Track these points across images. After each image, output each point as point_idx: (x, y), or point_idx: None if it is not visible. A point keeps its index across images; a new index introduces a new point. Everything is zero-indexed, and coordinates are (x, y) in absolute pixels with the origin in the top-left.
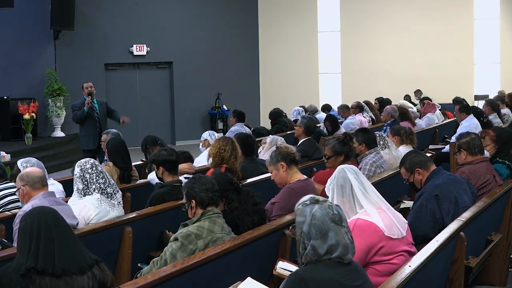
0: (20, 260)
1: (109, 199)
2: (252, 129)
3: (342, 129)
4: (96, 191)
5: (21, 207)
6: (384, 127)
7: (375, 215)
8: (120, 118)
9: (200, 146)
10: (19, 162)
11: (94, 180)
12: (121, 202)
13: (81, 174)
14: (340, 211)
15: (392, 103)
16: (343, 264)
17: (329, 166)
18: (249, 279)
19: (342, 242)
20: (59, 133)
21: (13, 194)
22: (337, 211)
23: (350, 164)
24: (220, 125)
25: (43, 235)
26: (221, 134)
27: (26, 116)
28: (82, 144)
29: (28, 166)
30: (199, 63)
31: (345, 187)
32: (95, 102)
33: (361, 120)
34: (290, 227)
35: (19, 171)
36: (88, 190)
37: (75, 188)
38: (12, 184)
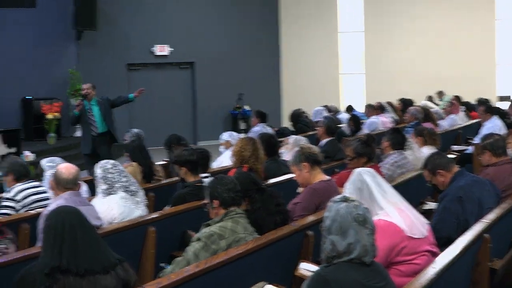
0: (44, 259)
1: (133, 196)
2: (276, 129)
3: (365, 130)
4: (121, 189)
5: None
6: (407, 128)
7: (396, 215)
8: (132, 96)
9: (221, 148)
10: (43, 162)
11: (117, 179)
12: (144, 201)
13: (104, 175)
14: (367, 214)
15: (415, 104)
16: (365, 265)
17: (351, 167)
18: (263, 282)
19: (361, 243)
20: (80, 133)
21: (37, 193)
22: (363, 212)
23: (372, 165)
24: (242, 126)
25: (67, 234)
26: (242, 135)
27: (49, 116)
28: (81, 148)
29: (53, 165)
30: (221, 64)
31: (362, 189)
32: (93, 104)
33: (384, 120)
34: (321, 223)
35: (43, 170)
36: (112, 190)
37: (98, 190)
38: (36, 183)
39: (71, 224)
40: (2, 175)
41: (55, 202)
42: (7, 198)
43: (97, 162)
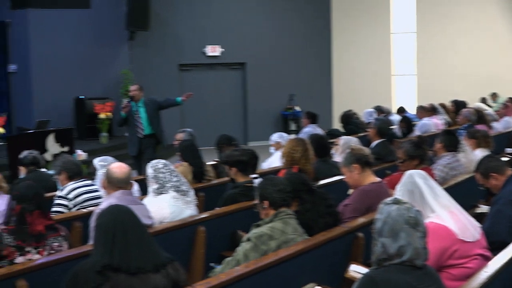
0: (95, 257)
1: (184, 196)
2: (327, 131)
3: (417, 131)
4: (172, 189)
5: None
6: (460, 131)
7: (447, 218)
8: (180, 100)
9: (272, 149)
10: (95, 161)
11: (168, 178)
12: (194, 200)
13: (155, 175)
14: (419, 216)
15: (468, 106)
16: (416, 268)
17: (402, 169)
18: (311, 284)
19: (413, 245)
20: None
21: (89, 192)
22: (415, 215)
23: (424, 168)
24: (293, 126)
25: (119, 233)
26: (292, 136)
27: (102, 116)
28: (128, 149)
29: (105, 164)
30: (272, 64)
31: (414, 192)
32: (140, 105)
33: (436, 122)
34: (372, 224)
35: (95, 169)
36: (163, 189)
37: (150, 189)
38: (88, 182)
39: (123, 222)
40: (56, 173)
41: (107, 200)
42: (60, 197)
43: (142, 164)
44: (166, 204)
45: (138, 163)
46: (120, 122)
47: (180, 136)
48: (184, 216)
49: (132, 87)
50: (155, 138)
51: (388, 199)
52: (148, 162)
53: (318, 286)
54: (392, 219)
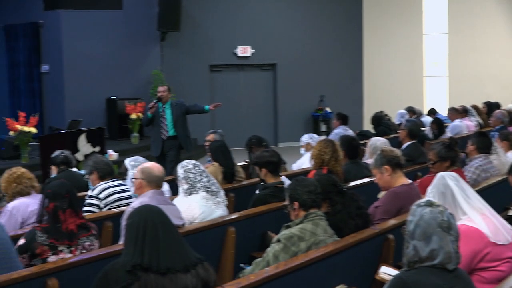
0: (126, 257)
1: (214, 196)
2: (357, 132)
3: (448, 133)
4: (202, 189)
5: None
6: (493, 133)
7: (480, 221)
8: (208, 108)
9: (302, 150)
10: (126, 161)
11: (199, 179)
12: (225, 200)
13: (185, 175)
14: (452, 220)
15: (501, 108)
16: (448, 271)
17: (434, 171)
18: (341, 285)
19: (445, 249)
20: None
21: (120, 192)
22: (448, 218)
23: (455, 170)
24: (323, 128)
25: (149, 233)
26: (322, 137)
27: (133, 116)
28: (151, 150)
29: (136, 165)
30: (303, 65)
31: (446, 194)
32: (167, 107)
33: (468, 124)
34: (404, 225)
35: (127, 169)
36: (193, 189)
37: (180, 190)
38: (119, 182)
39: (154, 222)
40: (87, 173)
41: (139, 200)
42: (91, 196)
43: (165, 166)
44: (196, 205)
45: (160, 164)
46: (145, 122)
47: (210, 137)
48: (214, 216)
49: (161, 88)
50: (179, 140)
51: (421, 201)
52: (171, 164)
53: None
54: (425, 222)
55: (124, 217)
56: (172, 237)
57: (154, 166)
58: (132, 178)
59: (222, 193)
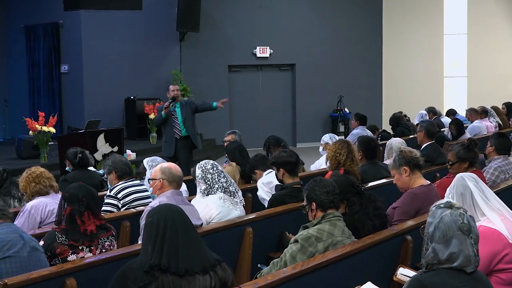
0: (144, 256)
1: (231, 197)
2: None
3: (467, 134)
4: (220, 190)
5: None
6: None
7: (498, 222)
8: (215, 105)
9: (321, 149)
10: (145, 161)
11: (216, 179)
12: (243, 201)
13: (203, 175)
14: (472, 223)
15: None
16: (466, 274)
17: (452, 172)
18: (369, 283)
19: (464, 253)
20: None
21: (138, 192)
22: (468, 221)
23: (474, 171)
24: (342, 128)
25: (168, 233)
26: (341, 137)
27: (151, 116)
28: (163, 150)
29: (154, 165)
30: (321, 66)
31: (465, 195)
32: (178, 106)
33: (487, 125)
34: (422, 226)
35: (145, 169)
36: (211, 190)
37: (198, 190)
38: (137, 182)
39: (173, 222)
40: (105, 173)
41: (157, 200)
42: (109, 196)
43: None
44: (213, 205)
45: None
46: (159, 122)
47: (229, 137)
48: (231, 217)
49: (174, 87)
50: (191, 140)
51: (441, 202)
52: (185, 164)
53: (373, 284)
54: (445, 224)
55: (143, 216)
56: (191, 238)
57: (173, 166)
58: (150, 179)
59: (239, 193)
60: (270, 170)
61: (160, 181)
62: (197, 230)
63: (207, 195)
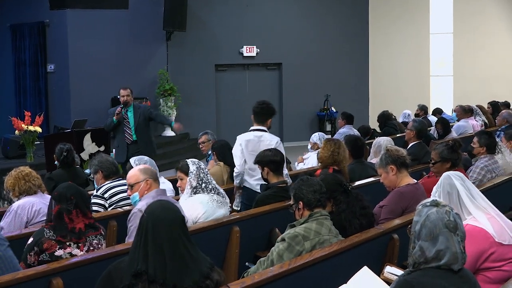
0: (132, 256)
1: (218, 195)
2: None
3: (453, 133)
4: (213, 191)
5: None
6: (498, 132)
7: (485, 220)
8: (173, 125)
9: (309, 147)
10: (132, 160)
11: (210, 180)
12: (227, 201)
13: (197, 173)
14: (458, 220)
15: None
16: (453, 272)
17: (434, 171)
18: (365, 268)
19: (451, 250)
20: (169, 133)
21: (125, 191)
22: (454, 219)
23: (457, 169)
24: (328, 127)
25: (154, 240)
26: (329, 136)
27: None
28: (115, 156)
29: (141, 164)
30: (308, 65)
31: (451, 194)
32: (130, 110)
33: (473, 124)
34: (409, 225)
35: (131, 168)
36: (200, 188)
37: (188, 185)
38: (124, 181)
39: (160, 227)
40: (92, 172)
41: (145, 201)
42: (96, 196)
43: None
44: (199, 205)
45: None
46: (109, 127)
47: (204, 138)
48: (217, 215)
49: (124, 92)
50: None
51: (427, 201)
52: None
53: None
54: (431, 222)
55: (131, 218)
56: (182, 247)
57: (146, 165)
58: (132, 185)
59: (224, 193)
60: None
61: (147, 181)
62: (190, 236)
63: (194, 194)
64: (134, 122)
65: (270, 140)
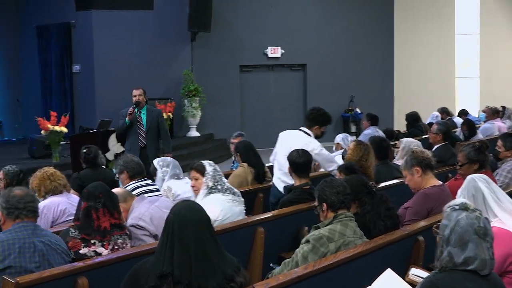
0: (157, 256)
1: (233, 195)
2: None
3: (479, 135)
4: (228, 192)
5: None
6: None
7: (510, 222)
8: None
9: (333, 148)
10: (155, 161)
11: (224, 181)
12: (242, 200)
13: (214, 174)
14: (488, 225)
15: None
16: (481, 276)
17: (461, 173)
18: (389, 270)
19: (480, 257)
20: (194, 133)
21: (150, 191)
22: (484, 224)
23: (484, 172)
24: (353, 128)
25: (178, 241)
26: (354, 137)
27: (163, 116)
28: None
29: (165, 164)
30: (333, 66)
31: (476, 196)
32: (143, 112)
33: (500, 125)
34: (435, 225)
35: (156, 169)
36: (215, 189)
37: (204, 186)
38: (149, 181)
39: (186, 228)
40: (117, 172)
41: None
42: None
43: None
44: (215, 204)
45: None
46: (122, 129)
47: (236, 140)
48: (234, 211)
49: (136, 92)
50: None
51: (456, 204)
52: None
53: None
54: (461, 228)
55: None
56: (208, 247)
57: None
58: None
59: (239, 192)
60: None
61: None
62: (215, 236)
63: (210, 194)
64: (147, 126)
65: (306, 143)
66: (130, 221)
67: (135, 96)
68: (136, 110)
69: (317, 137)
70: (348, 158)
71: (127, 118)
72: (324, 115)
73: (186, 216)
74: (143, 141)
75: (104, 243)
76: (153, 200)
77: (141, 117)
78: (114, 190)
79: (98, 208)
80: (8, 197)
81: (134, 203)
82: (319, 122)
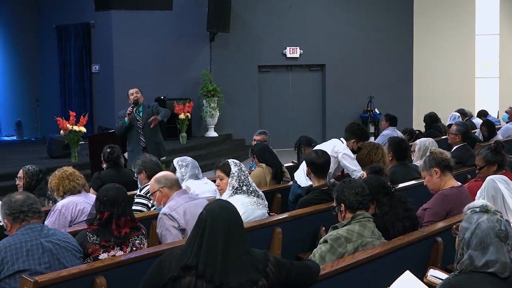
0: (185, 249)
1: (257, 198)
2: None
3: (499, 135)
4: (253, 194)
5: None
6: None
7: None
8: (160, 119)
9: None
10: (175, 161)
11: (250, 182)
12: (265, 202)
13: (239, 174)
14: (509, 228)
15: None
16: (500, 278)
17: (481, 176)
18: (407, 272)
19: (501, 260)
20: (212, 133)
21: None
22: (505, 228)
23: (504, 173)
24: (372, 129)
25: (208, 237)
26: (372, 138)
27: (181, 116)
28: (129, 161)
29: (184, 164)
30: (351, 66)
31: (496, 197)
32: (141, 110)
33: None
34: (454, 225)
35: (175, 169)
36: (240, 190)
37: (229, 186)
38: None
39: (217, 227)
40: (136, 172)
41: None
42: (140, 196)
43: None
44: (239, 204)
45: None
46: (121, 130)
47: (260, 137)
48: (255, 215)
49: (133, 90)
50: (158, 148)
51: (476, 206)
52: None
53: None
54: (482, 231)
55: (159, 224)
56: (234, 248)
57: (163, 173)
58: (150, 194)
59: (263, 195)
60: None
61: (160, 190)
62: (245, 235)
63: (235, 194)
64: (143, 121)
65: (333, 146)
66: (164, 209)
67: (132, 94)
68: (134, 109)
69: (352, 151)
70: (359, 156)
71: (126, 119)
72: (363, 130)
73: (219, 214)
74: (144, 141)
75: (123, 246)
76: (194, 198)
77: (140, 116)
78: (164, 173)
79: (120, 217)
80: (10, 203)
81: (175, 194)
82: (357, 136)
